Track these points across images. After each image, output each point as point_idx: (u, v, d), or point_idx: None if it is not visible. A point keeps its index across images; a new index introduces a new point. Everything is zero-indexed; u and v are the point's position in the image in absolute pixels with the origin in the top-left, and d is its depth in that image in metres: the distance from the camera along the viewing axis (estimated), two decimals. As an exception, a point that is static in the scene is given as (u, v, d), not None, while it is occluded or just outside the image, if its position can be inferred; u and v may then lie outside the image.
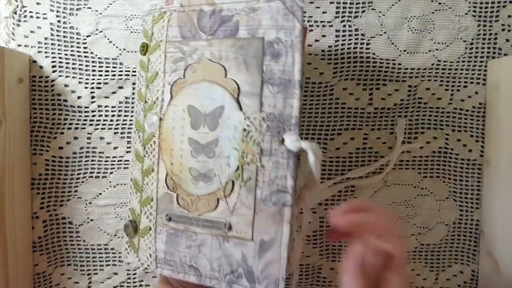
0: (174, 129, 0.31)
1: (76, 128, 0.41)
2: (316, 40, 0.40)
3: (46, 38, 0.40)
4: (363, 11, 0.40)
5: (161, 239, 0.31)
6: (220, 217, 0.29)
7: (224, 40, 0.29)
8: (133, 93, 0.40)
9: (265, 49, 0.28)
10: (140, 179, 0.32)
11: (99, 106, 0.40)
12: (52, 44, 0.40)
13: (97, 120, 0.41)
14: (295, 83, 0.27)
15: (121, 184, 0.41)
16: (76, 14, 0.40)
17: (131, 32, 0.40)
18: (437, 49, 0.40)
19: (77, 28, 0.40)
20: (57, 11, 0.40)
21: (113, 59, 0.40)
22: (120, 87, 0.40)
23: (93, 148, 0.41)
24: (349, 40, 0.40)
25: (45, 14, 0.39)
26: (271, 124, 0.28)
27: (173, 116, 0.31)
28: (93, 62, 0.40)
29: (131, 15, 0.40)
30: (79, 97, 0.40)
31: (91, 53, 0.40)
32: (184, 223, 0.30)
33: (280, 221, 0.28)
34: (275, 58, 0.28)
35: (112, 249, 0.42)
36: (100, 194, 0.41)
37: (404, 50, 0.40)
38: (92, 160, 0.41)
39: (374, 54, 0.40)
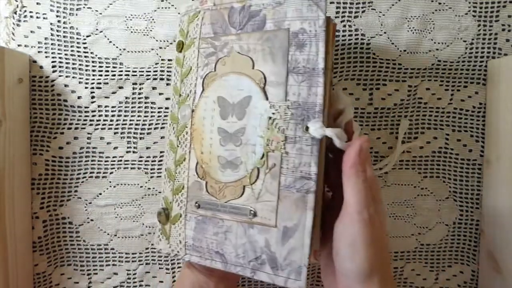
0: (205, 119, 0.32)
1: (76, 128, 0.41)
2: (316, 40, 0.40)
3: (46, 38, 0.40)
4: (363, 11, 0.40)
5: (190, 226, 0.32)
6: (246, 203, 0.30)
7: (252, 33, 0.31)
8: (133, 93, 0.40)
9: (290, 40, 0.29)
10: (173, 168, 0.34)
11: (99, 106, 0.40)
12: (52, 44, 0.40)
13: (97, 120, 0.41)
14: (319, 71, 0.28)
15: (121, 184, 0.41)
16: (76, 14, 0.40)
17: (131, 32, 0.40)
18: (437, 49, 0.40)
19: (77, 28, 0.40)
20: (57, 11, 0.40)
21: (113, 59, 0.40)
22: (120, 87, 0.40)
23: (93, 148, 0.41)
24: (349, 40, 0.40)
25: (45, 14, 0.39)
26: (296, 112, 0.28)
27: (204, 107, 0.32)
28: (93, 62, 0.40)
29: (131, 15, 0.40)
30: (79, 97, 0.40)
31: (91, 53, 0.40)
32: (212, 210, 0.31)
33: (303, 208, 0.28)
34: (300, 48, 0.29)
35: (112, 249, 0.42)
36: (100, 194, 0.41)
37: (404, 50, 0.40)
38: (92, 160, 0.41)
39: (374, 54, 0.40)
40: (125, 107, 0.41)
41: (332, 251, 0.28)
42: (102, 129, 0.41)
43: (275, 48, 0.29)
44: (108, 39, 0.40)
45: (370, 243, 0.26)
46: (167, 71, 0.40)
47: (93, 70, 0.40)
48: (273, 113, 0.29)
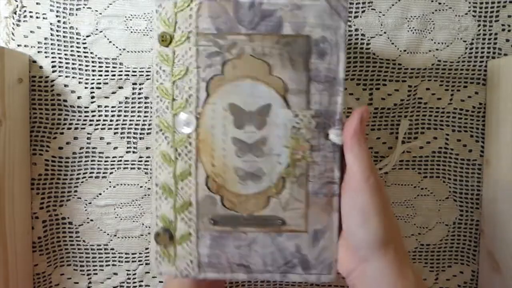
0: (214, 129, 0.30)
1: (76, 128, 0.41)
2: (316, 40, 0.40)
3: (46, 38, 0.40)
4: (363, 11, 0.40)
5: (204, 243, 0.31)
6: (272, 213, 0.30)
7: (267, 35, 0.29)
8: (133, 93, 0.40)
9: (311, 47, 0.29)
10: (171, 183, 0.31)
11: (99, 106, 0.40)
12: (52, 44, 0.40)
13: (97, 120, 0.41)
14: (340, 81, 0.29)
15: (121, 184, 0.41)
16: (76, 14, 0.40)
17: (131, 32, 0.40)
18: (437, 49, 0.40)
19: (77, 28, 0.40)
20: (57, 11, 0.40)
21: (113, 59, 0.40)
22: (120, 87, 0.40)
23: (93, 148, 0.41)
24: (349, 40, 0.40)
25: (45, 14, 0.39)
26: (319, 121, 0.29)
27: (212, 115, 0.30)
28: (93, 62, 0.40)
29: (131, 15, 0.40)
30: (79, 97, 0.40)
31: (91, 53, 0.40)
32: (232, 224, 0.30)
33: (330, 210, 0.30)
34: (321, 57, 0.29)
35: (112, 249, 0.42)
36: (100, 194, 0.41)
37: (404, 50, 0.40)
38: (92, 160, 0.41)
39: (374, 54, 0.40)
40: (125, 107, 0.41)
41: (343, 227, 0.29)
42: (102, 129, 0.41)
43: (294, 54, 0.29)
44: (108, 39, 0.40)
45: (381, 209, 0.27)
46: (167, 71, 0.40)
47: (93, 70, 0.40)
48: (298, 123, 0.29)
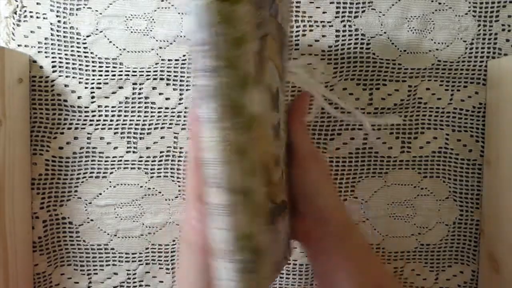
0: (266, 111, 0.24)
1: (76, 128, 0.41)
2: (316, 40, 0.40)
3: (46, 38, 0.40)
4: (363, 11, 0.40)
5: (272, 251, 0.25)
6: (283, 198, 0.29)
7: (274, 20, 0.26)
8: (133, 93, 0.40)
9: (284, 41, 0.30)
10: (247, 184, 0.23)
11: (99, 106, 0.40)
12: (52, 44, 0.40)
13: (97, 120, 0.41)
14: (285, 78, 0.31)
15: (121, 184, 0.41)
16: (76, 14, 0.40)
17: (131, 32, 0.40)
18: (437, 49, 0.40)
19: (77, 28, 0.40)
20: (57, 11, 0.40)
21: (113, 59, 0.40)
22: (120, 87, 0.40)
23: (93, 148, 0.41)
24: (349, 40, 0.40)
25: (45, 14, 0.39)
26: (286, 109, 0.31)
27: (265, 96, 0.24)
28: (93, 62, 0.40)
29: (131, 15, 0.40)
30: (79, 97, 0.40)
31: (91, 53, 0.40)
32: (275, 219, 0.26)
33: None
34: (284, 52, 0.30)
35: (112, 249, 0.42)
36: (100, 194, 0.41)
37: (404, 50, 0.40)
38: (92, 160, 0.41)
39: (374, 54, 0.40)
40: (125, 107, 0.41)
41: (300, 199, 0.30)
42: (102, 129, 0.41)
43: (280, 44, 0.29)
44: (108, 39, 0.40)
45: (328, 176, 0.31)
46: (167, 71, 0.40)
47: (93, 70, 0.40)
48: (284, 108, 0.30)
